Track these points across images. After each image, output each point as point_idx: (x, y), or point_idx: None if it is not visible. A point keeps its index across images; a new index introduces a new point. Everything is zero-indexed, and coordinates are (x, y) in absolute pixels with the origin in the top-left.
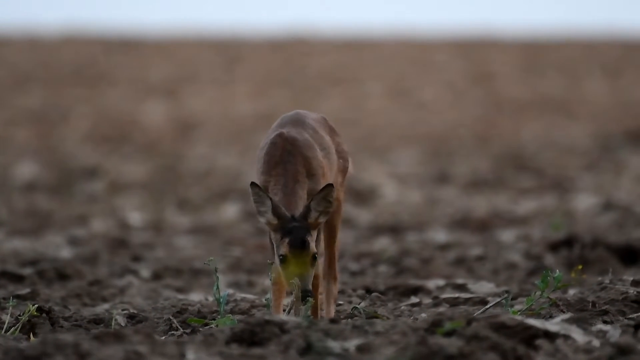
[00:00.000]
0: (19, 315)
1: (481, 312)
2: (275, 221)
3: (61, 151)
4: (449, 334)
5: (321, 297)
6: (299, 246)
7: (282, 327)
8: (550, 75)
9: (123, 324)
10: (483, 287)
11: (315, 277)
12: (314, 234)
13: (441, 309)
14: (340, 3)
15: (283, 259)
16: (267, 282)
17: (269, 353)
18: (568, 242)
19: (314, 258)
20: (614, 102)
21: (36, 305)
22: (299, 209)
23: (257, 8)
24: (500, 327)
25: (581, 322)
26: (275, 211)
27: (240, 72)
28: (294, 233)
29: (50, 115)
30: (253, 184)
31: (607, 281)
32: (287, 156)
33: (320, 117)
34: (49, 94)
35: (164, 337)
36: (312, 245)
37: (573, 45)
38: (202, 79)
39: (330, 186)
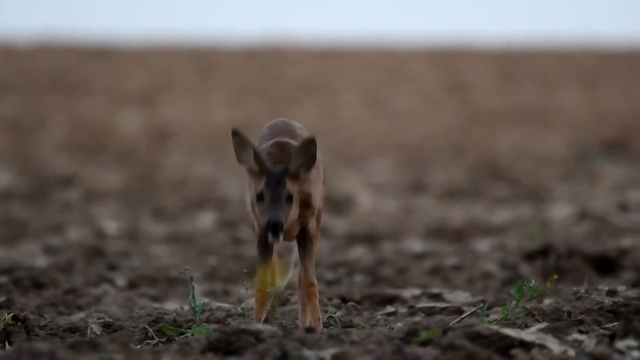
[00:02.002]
0: None
1: (457, 322)
2: (256, 168)
3: (37, 159)
4: (424, 343)
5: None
6: (275, 182)
7: (257, 336)
8: (525, 85)
9: (98, 333)
10: (459, 297)
11: (311, 284)
12: (294, 185)
13: (417, 319)
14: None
15: (259, 196)
16: (242, 291)
17: None
18: (544, 252)
19: (290, 198)
20: (589, 112)
21: (11, 314)
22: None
23: (233, 17)
24: (476, 337)
25: (557, 331)
26: (257, 158)
27: (216, 81)
28: (270, 172)
29: (25, 123)
30: (234, 132)
31: (582, 291)
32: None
33: (303, 127)
34: (24, 102)
35: (139, 346)
36: (290, 188)
37: (549, 55)
38: (178, 87)
39: (312, 138)
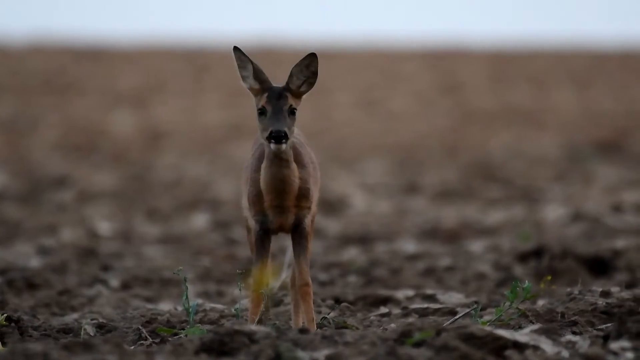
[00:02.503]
0: None
1: (450, 323)
2: (257, 85)
3: (30, 160)
4: (418, 344)
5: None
6: (276, 96)
7: (251, 337)
8: (519, 85)
9: (92, 334)
10: (452, 298)
11: (306, 284)
12: (297, 101)
13: (410, 320)
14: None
15: (261, 111)
16: (236, 291)
17: None
18: (537, 253)
19: (293, 112)
20: (582, 113)
21: (5, 315)
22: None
23: (226, 18)
24: (470, 338)
25: (550, 332)
26: (257, 75)
27: (209, 82)
28: (272, 88)
29: (19, 124)
30: (235, 48)
31: (576, 292)
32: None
33: (299, 130)
34: (17, 103)
35: (133, 347)
36: (292, 102)
37: (541, 56)
38: (171, 88)
39: (313, 55)
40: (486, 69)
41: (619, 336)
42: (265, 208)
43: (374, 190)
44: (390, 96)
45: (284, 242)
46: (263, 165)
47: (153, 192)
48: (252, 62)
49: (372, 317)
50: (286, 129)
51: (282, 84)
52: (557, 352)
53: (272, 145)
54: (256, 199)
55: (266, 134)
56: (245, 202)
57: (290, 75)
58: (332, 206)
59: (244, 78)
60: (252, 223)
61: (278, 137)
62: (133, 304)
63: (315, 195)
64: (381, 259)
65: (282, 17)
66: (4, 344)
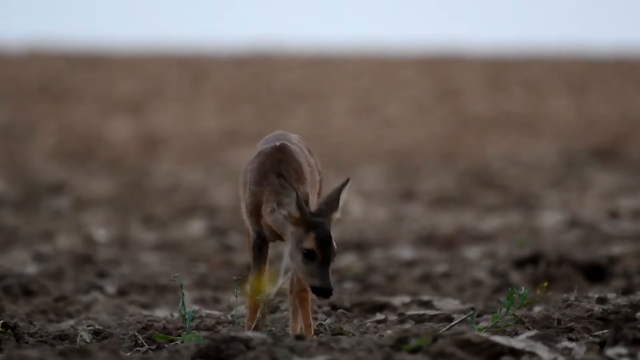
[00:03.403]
0: None
1: (447, 329)
2: (297, 214)
3: (27, 167)
4: (414, 350)
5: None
6: (327, 240)
7: (247, 344)
8: (515, 92)
9: (88, 340)
10: (448, 304)
11: (304, 289)
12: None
13: (407, 326)
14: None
15: (308, 254)
16: (232, 298)
17: None
18: (533, 259)
19: (334, 254)
20: (578, 119)
21: (1, 321)
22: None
23: (223, 24)
24: (466, 344)
25: (546, 339)
26: (299, 204)
27: (206, 88)
28: (319, 228)
29: (15, 131)
30: (280, 174)
31: (572, 298)
32: (278, 165)
33: (300, 137)
34: (14, 110)
35: (129, 353)
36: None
37: (538, 63)
38: (168, 95)
39: (348, 180)
40: (483, 75)
41: (615, 342)
42: (263, 223)
43: (370, 197)
44: (387, 102)
45: (281, 247)
46: (271, 217)
47: (149, 199)
48: (295, 190)
49: (368, 324)
50: (332, 284)
51: (323, 208)
52: (554, 359)
53: (314, 295)
54: (255, 211)
55: (311, 282)
56: (243, 207)
57: (332, 201)
58: None
59: (284, 204)
60: (249, 228)
61: (327, 294)
62: (129, 310)
63: (314, 199)
64: (377, 266)
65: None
66: (0, 351)
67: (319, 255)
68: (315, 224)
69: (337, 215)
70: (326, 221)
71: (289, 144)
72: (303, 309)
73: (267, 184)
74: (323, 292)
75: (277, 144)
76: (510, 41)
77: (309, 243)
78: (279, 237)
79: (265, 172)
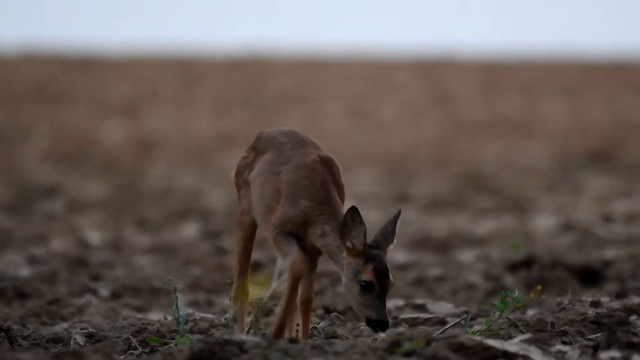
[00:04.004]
0: None
1: (440, 333)
2: (361, 247)
3: (20, 170)
4: (408, 354)
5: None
6: (385, 272)
7: (241, 347)
8: (509, 96)
9: (82, 343)
10: (442, 308)
11: (310, 299)
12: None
13: (400, 329)
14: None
15: (366, 285)
16: (226, 301)
17: None
18: (527, 263)
19: (391, 286)
20: (573, 123)
21: None
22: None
23: (217, 27)
24: (460, 348)
25: (540, 342)
26: (364, 239)
27: (200, 91)
28: (377, 260)
29: (9, 133)
30: (354, 208)
31: (566, 302)
32: (327, 181)
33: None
34: (8, 113)
35: (122, 357)
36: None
37: (532, 66)
38: (162, 98)
39: (400, 212)
40: (477, 79)
41: (608, 346)
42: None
43: (364, 200)
44: (381, 106)
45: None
46: (322, 241)
47: (143, 202)
48: (364, 225)
49: (362, 327)
50: (388, 318)
51: (377, 239)
52: None
53: (370, 328)
54: (299, 226)
55: (368, 314)
56: (262, 208)
57: (388, 233)
58: None
59: (350, 237)
60: (272, 228)
61: (383, 328)
62: (123, 313)
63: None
64: None
65: (273, 27)
66: None
67: (377, 287)
68: (373, 256)
69: (392, 247)
70: (383, 253)
71: (333, 159)
72: (305, 317)
73: (318, 201)
74: (380, 324)
75: (323, 155)
76: (504, 45)
77: (368, 275)
78: (316, 252)
79: (317, 189)
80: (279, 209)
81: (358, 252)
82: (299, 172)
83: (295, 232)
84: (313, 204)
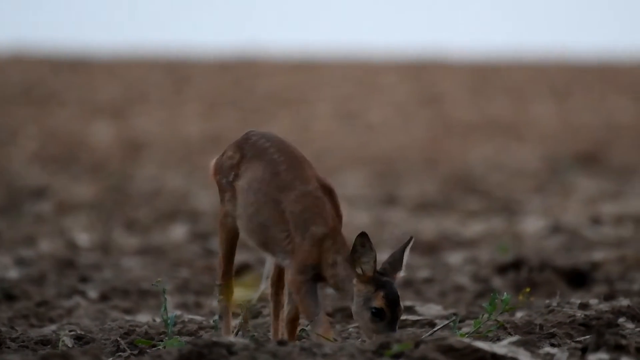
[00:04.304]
0: None
1: (429, 335)
2: (371, 273)
3: (9, 171)
4: (396, 356)
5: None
6: (396, 300)
7: (230, 349)
8: (498, 97)
9: (70, 345)
10: (431, 310)
11: (296, 319)
12: None
13: None
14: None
15: (377, 312)
16: (214, 303)
17: None
18: (516, 265)
19: (402, 313)
20: (562, 125)
21: None
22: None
23: (206, 29)
24: (448, 350)
25: (528, 345)
26: (374, 265)
27: (189, 92)
28: (387, 287)
29: None
30: (363, 234)
31: (554, 304)
32: (332, 210)
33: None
34: None
35: (111, 359)
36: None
37: (521, 68)
38: (151, 99)
39: (411, 239)
40: (465, 81)
41: (597, 348)
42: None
43: (353, 202)
44: (370, 108)
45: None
46: (332, 271)
47: (132, 203)
48: (374, 251)
49: (350, 329)
50: None
51: (386, 267)
52: None
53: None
54: (314, 258)
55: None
56: (257, 229)
57: (396, 261)
58: None
59: (360, 262)
60: (294, 271)
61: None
62: (111, 315)
63: None
64: None
65: (262, 29)
66: None
67: (388, 314)
68: (383, 283)
69: (401, 274)
70: (392, 280)
71: (331, 184)
72: (290, 338)
73: (333, 228)
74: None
75: (323, 182)
76: (493, 47)
77: (379, 302)
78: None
79: (327, 217)
80: (293, 245)
81: (368, 279)
82: (305, 201)
83: (315, 268)
84: (326, 231)
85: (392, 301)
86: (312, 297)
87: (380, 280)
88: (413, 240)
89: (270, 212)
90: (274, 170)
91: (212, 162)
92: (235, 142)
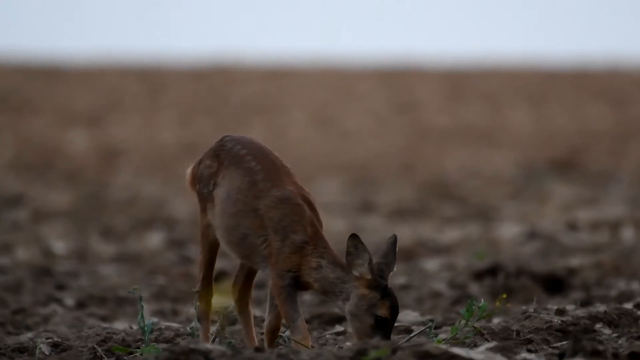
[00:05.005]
0: None
1: (406, 340)
2: (369, 276)
3: None
4: None
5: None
6: (396, 311)
7: (207, 356)
8: (474, 104)
9: (47, 353)
10: (408, 316)
11: (277, 329)
12: None
13: None
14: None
15: (382, 321)
16: (191, 310)
17: None
18: (492, 271)
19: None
20: (537, 131)
21: None
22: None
23: (181, 37)
24: (425, 356)
25: (505, 351)
26: (371, 267)
27: (164, 100)
28: (392, 297)
29: None
30: (354, 235)
31: (531, 310)
32: (312, 217)
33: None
34: None
35: None
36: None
37: (496, 74)
38: (126, 107)
39: (395, 237)
40: (441, 87)
41: (574, 354)
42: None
43: (329, 209)
44: (345, 114)
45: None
46: (316, 274)
47: (108, 211)
48: (368, 252)
49: (327, 336)
50: None
51: (383, 269)
52: None
53: None
54: (295, 263)
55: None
56: (238, 240)
57: (390, 261)
58: None
59: (355, 265)
60: (274, 275)
61: None
62: (88, 322)
63: None
64: None
65: (237, 36)
66: None
67: (390, 324)
68: (389, 292)
69: (391, 274)
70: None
71: (308, 193)
72: (270, 347)
73: (313, 236)
74: None
75: (301, 190)
76: (468, 53)
77: (384, 311)
78: (305, 288)
79: (307, 224)
80: (272, 250)
81: (371, 283)
82: (284, 207)
83: (295, 274)
84: (306, 238)
85: (395, 312)
86: (291, 303)
87: (385, 286)
88: (397, 238)
89: (249, 221)
90: (252, 179)
91: (189, 171)
92: (211, 149)
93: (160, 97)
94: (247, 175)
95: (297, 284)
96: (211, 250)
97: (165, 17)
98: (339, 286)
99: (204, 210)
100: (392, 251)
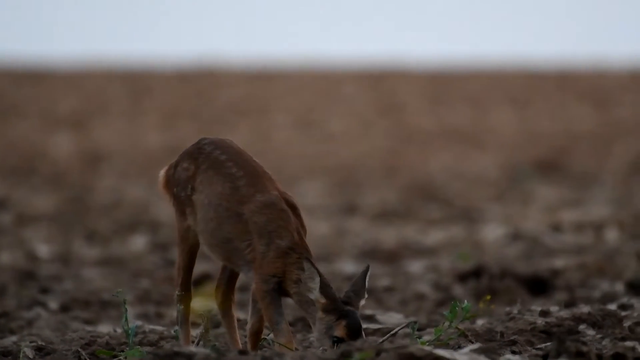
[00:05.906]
0: None
1: (386, 338)
2: (323, 300)
3: None
4: None
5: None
6: (358, 329)
7: (191, 359)
8: (457, 106)
9: (31, 357)
10: (392, 318)
11: (260, 332)
12: None
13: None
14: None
15: (339, 341)
16: (175, 313)
17: None
18: (476, 273)
19: None
20: (521, 133)
21: None
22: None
23: (165, 40)
24: (409, 358)
25: (489, 352)
26: (325, 291)
27: (148, 104)
28: (350, 317)
29: None
30: (307, 260)
31: (515, 311)
32: (296, 224)
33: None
34: None
35: None
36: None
37: (480, 76)
38: (110, 110)
39: (368, 267)
40: (425, 89)
41: (558, 355)
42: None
43: (313, 211)
44: (329, 117)
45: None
46: (296, 288)
47: (92, 215)
48: (320, 275)
49: (311, 338)
50: None
51: (353, 297)
52: None
53: None
54: (279, 269)
55: None
56: (222, 244)
57: (359, 289)
58: None
59: (310, 289)
60: (258, 279)
61: None
62: (72, 326)
63: None
64: None
65: (221, 40)
66: None
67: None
68: (346, 313)
69: (363, 302)
70: (356, 310)
71: (292, 198)
72: (253, 349)
73: (297, 244)
74: None
75: (284, 195)
76: (452, 55)
77: (340, 332)
78: (286, 294)
79: (292, 230)
80: (256, 254)
81: (330, 307)
82: (269, 212)
83: (279, 279)
84: (292, 245)
85: (354, 331)
86: (275, 307)
87: (343, 309)
88: (370, 268)
89: (232, 226)
90: (234, 184)
91: (162, 173)
92: (187, 152)
93: (144, 100)
94: (227, 181)
95: (281, 290)
96: (191, 254)
97: (150, 20)
98: (310, 307)
99: (182, 214)
100: (361, 280)
